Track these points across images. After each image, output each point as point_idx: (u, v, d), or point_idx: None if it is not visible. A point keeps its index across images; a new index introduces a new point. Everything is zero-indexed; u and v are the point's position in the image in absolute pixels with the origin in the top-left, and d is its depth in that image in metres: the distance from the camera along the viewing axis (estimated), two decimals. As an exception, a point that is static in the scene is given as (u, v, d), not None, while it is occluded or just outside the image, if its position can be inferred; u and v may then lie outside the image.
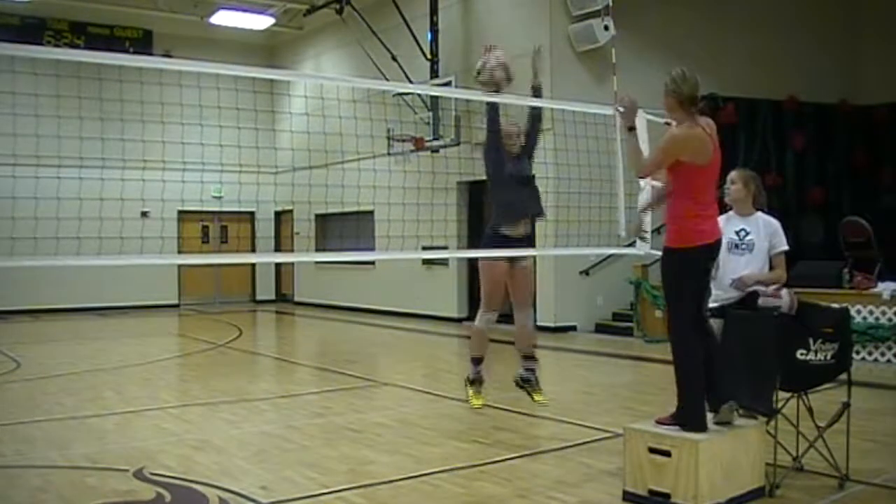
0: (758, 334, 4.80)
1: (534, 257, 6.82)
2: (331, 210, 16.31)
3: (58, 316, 17.71)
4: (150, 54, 17.97)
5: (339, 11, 16.67)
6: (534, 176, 6.80)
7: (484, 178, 6.83)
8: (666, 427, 4.57)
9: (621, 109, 5.08)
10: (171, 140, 11.10)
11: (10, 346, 12.30)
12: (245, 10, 17.86)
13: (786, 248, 5.32)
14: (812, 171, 14.83)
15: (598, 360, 10.86)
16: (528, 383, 6.31)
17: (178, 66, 5.39)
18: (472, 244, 14.22)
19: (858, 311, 9.96)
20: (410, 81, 14.75)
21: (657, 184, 5.31)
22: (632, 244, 6.68)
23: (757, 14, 14.43)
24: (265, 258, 21.73)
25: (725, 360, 4.74)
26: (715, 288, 5.19)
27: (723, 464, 4.45)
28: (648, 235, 6.36)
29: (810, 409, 5.02)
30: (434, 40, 15.17)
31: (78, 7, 17.60)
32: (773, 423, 4.80)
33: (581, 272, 13.54)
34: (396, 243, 10.52)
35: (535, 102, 6.93)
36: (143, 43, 19.10)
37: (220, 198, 19.29)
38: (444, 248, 13.61)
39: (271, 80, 18.79)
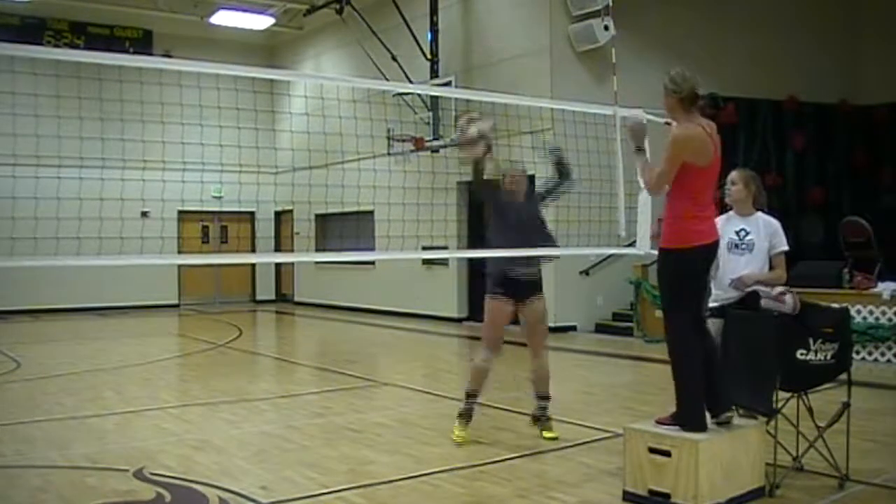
0: (758, 334, 4.80)
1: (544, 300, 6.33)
2: (331, 210, 16.31)
3: (58, 316, 17.71)
4: (150, 54, 17.98)
5: (339, 11, 16.67)
6: (543, 220, 6.40)
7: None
8: (666, 427, 4.57)
9: (631, 124, 5.09)
10: (171, 140, 11.09)
11: (10, 346, 12.31)
12: (245, 10, 17.86)
13: (786, 248, 5.32)
14: (812, 171, 14.83)
15: (598, 360, 10.87)
16: (539, 420, 6.31)
17: (178, 66, 5.39)
18: (472, 244, 14.23)
19: (858, 311, 9.96)
20: (410, 81, 14.75)
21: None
22: (632, 244, 6.67)
23: (757, 14, 14.42)
24: (265, 258, 21.72)
25: (725, 361, 4.74)
26: (715, 288, 5.20)
27: (723, 464, 4.45)
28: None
29: (810, 409, 5.02)
30: (434, 40, 15.17)
31: (78, 7, 17.60)
32: (773, 423, 4.80)
33: (581, 272, 13.54)
34: (396, 243, 10.51)
35: (536, 102, 6.85)
36: (143, 43, 19.10)
37: (220, 198, 19.28)
38: (444, 248, 13.61)
39: (271, 80, 18.80)
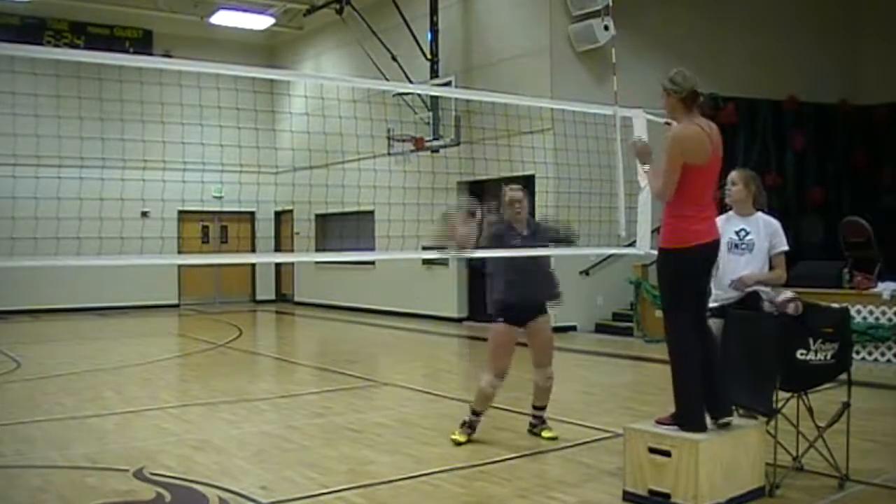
0: (758, 334, 4.80)
1: (550, 316, 6.20)
2: (331, 210, 16.31)
3: (58, 316, 17.71)
4: (150, 54, 17.98)
5: (339, 11, 16.67)
6: (548, 259, 6.23)
7: (485, 177, 6.63)
8: (666, 427, 4.57)
9: (637, 143, 5.11)
10: (172, 140, 11.10)
11: (10, 346, 12.31)
12: (245, 10, 17.86)
13: (786, 248, 5.32)
14: (812, 171, 14.83)
15: (598, 360, 10.87)
16: (536, 427, 6.30)
17: (178, 66, 5.39)
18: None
19: (858, 311, 9.96)
20: (410, 81, 14.75)
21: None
22: (632, 244, 6.67)
23: (757, 14, 14.42)
24: (265, 258, 21.72)
25: (725, 361, 4.74)
26: (715, 288, 5.19)
27: (723, 464, 4.45)
28: None
29: (810, 409, 5.02)
30: (434, 40, 15.17)
31: (78, 7, 17.60)
32: (773, 423, 4.80)
33: (581, 272, 13.53)
34: (396, 243, 10.51)
35: (536, 102, 6.80)
36: (143, 43, 19.10)
37: (220, 198, 19.28)
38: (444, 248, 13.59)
39: (271, 80, 18.80)
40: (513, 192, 6.17)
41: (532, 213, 6.50)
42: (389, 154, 14.91)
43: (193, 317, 18.39)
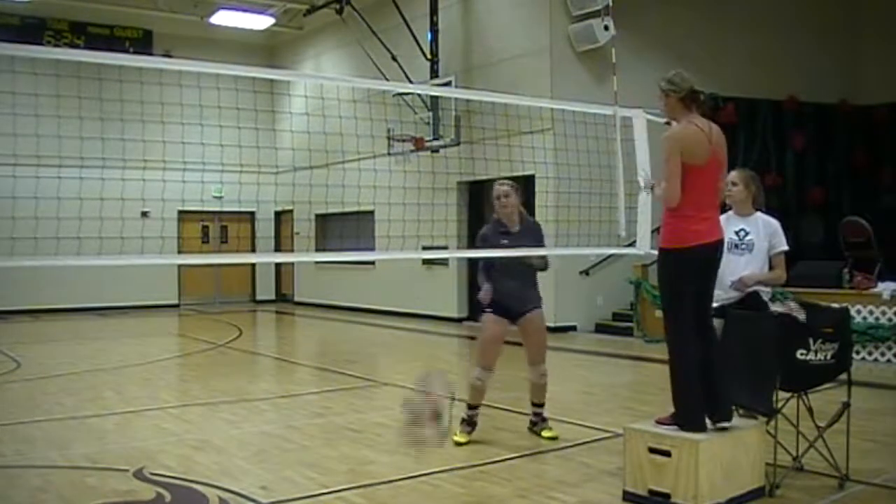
0: (758, 334, 4.80)
1: (542, 312, 6.15)
2: (331, 210, 16.30)
3: (58, 316, 17.71)
4: (150, 54, 17.98)
5: (339, 11, 16.67)
6: (532, 268, 6.05)
7: (485, 177, 6.63)
8: (666, 427, 4.56)
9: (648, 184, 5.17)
10: (172, 140, 11.10)
11: (10, 346, 12.30)
12: (245, 10, 17.87)
13: (785, 248, 5.33)
14: (812, 171, 14.83)
15: (598, 360, 10.87)
16: (536, 426, 6.30)
17: (178, 66, 5.39)
18: (472, 244, 14.22)
19: (858, 311, 9.96)
20: (410, 81, 14.75)
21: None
22: (632, 244, 6.67)
23: (757, 14, 14.43)
24: (265, 258, 21.71)
25: (725, 361, 4.73)
26: (716, 288, 5.19)
27: (723, 464, 4.45)
28: None
29: (810, 409, 5.02)
30: (434, 40, 15.17)
31: (78, 7, 17.60)
32: (773, 423, 4.80)
33: (581, 272, 13.54)
34: (396, 243, 10.52)
35: (536, 102, 6.79)
36: (143, 43, 19.10)
37: (220, 198, 19.28)
38: (444, 248, 13.61)
39: (271, 80, 18.80)
40: (499, 187, 6.10)
41: (532, 212, 6.48)
42: (389, 154, 14.92)
43: (193, 317, 18.39)
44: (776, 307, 5.05)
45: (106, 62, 4.90)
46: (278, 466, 5.55)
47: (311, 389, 8.99)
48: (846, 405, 4.97)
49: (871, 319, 10.00)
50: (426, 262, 15.78)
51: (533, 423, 6.31)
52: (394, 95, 14.27)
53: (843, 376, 4.95)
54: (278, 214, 21.16)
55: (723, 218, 5.21)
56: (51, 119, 11.34)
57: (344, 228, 18.27)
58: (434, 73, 15.10)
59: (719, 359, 4.65)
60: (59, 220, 8.08)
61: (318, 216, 19.29)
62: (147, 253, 7.51)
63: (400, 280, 16.80)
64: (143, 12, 17.83)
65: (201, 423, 7.04)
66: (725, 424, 4.55)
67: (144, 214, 14.53)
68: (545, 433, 6.18)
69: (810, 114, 14.80)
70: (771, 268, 5.30)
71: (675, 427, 4.52)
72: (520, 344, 6.23)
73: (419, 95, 14.38)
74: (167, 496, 4.88)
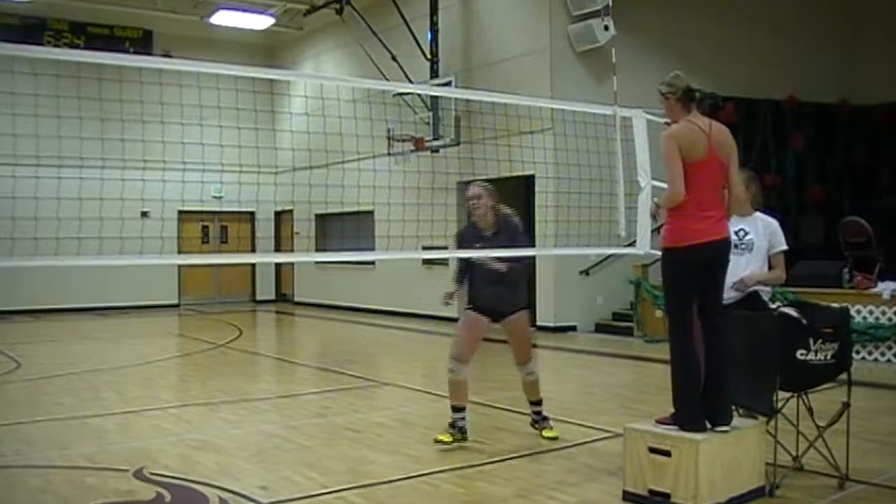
0: (758, 334, 4.80)
1: (527, 309, 6.09)
2: (331, 210, 16.31)
3: (58, 316, 17.71)
4: (150, 54, 17.98)
5: (339, 11, 16.67)
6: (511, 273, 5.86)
7: (484, 177, 6.64)
8: (666, 427, 4.56)
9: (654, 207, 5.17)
10: (171, 140, 11.10)
11: (10, 346, 12.30)
12: (245, 10, 17.86)
13: (785, 247, 5.34)
14: (812, 171, 14.83)
15: (598, 360, 10.86)
16: (537, 424, 6.30)
17: (178, 66, 5.39)
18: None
19: (858, 311, 9.96)
20: (410, 81, 14.75)
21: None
22: (632, 244, 6.67)
23: (757, 14, 14.43)
24: (265, 258, 21.73)
25: (726, 361, 4.72)
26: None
27: (723, 464, 4.45)
28: None
29: (810, 409, 5.02)
30: (434, 40, 15.17)
31: (78, 7, 17.59)
32: (773, 423, 4.80)
33: (581, 272, 13.54)
34: (396, 243, 10.52)
35: (536, 102, 6.76)
36: (143, 43, 19.10)
37: (220, 198, 19.28)
38: (444, 248, 13.60)
39: (271, 80, 18.77)
40: (471, 190, 6.02)
41: (532, 212, 6.47)
42: (389, 154, 14.91)
43: (193, 317, 18.39)
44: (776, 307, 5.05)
45: (106, 62, 4.90)
46: (278, 466, 5.55)
47: (311, 389, 8.99)
48: (846, 405, 4.97)
49: (871, 319, 10.00)
50: (426, 262, 15.77)
51: (534, 422, 6.31)
52: (394, 95, 14.27)
53: (843, 376, 4.95)
54: (278, 214, 21.17)
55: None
56: (50, 119, 11.37)
57: (344, 228, 18.27)
58: (434, 73, 15.10)
59: (723, 362, 4.63)
60: (59, 221, 8.08)
61: (317, 216, 19.29)
62: (147, 253, 7.51)
63: (400, 280, 16.79)
64: (143, 12, 17.82)
65: (201, 423, 7.03)
66: (725, 428, 4.55)
67: (144, 214, 14.51)
68: (546, 433, 6.18)
69: (810, 114, 14.80)
70: (770, 267, 5.31)
71: (675, 427, 4.52)
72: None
73: (419, 95, 14.38)
74: (167, 496, 4.88)
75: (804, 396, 5.02)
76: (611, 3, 12.35)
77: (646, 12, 13.48)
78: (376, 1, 16.54)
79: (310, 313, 18.67)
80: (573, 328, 13.62)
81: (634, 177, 6.25)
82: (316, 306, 19.71)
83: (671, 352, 4.64)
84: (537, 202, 12.87)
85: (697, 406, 4.53)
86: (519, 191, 14.12)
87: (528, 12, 14.04)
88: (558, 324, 13.46)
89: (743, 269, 5.20)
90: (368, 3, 16.59)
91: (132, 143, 12.47)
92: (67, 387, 8.85)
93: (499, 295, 5.95)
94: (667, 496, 4.44)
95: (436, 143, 14.61)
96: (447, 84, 14.16)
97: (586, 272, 13.58)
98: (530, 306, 6.37)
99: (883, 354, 9.96)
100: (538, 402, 6.25)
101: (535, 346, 6.86)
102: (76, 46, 17.79)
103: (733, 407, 4.73)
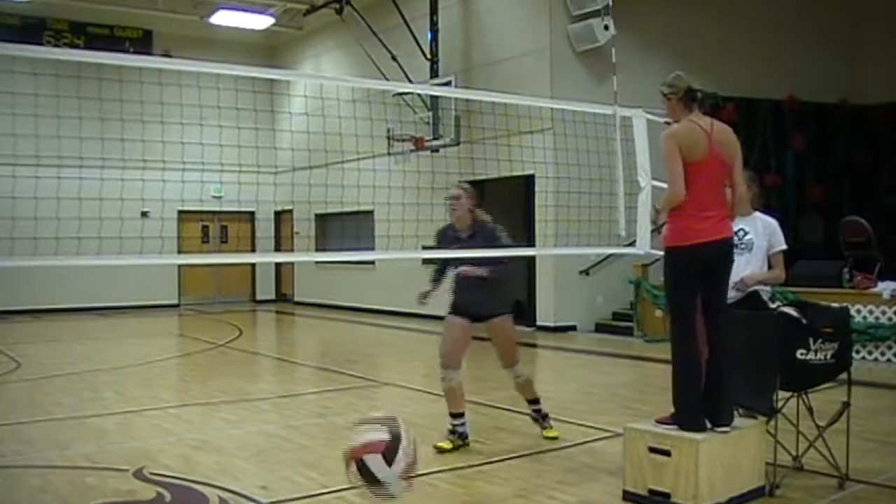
0: (758, 334, 4.80)
1: (511, 314, 6.05)
2: (331, 210, 16.31)
3: (58, 316, 17.71)
4: (150, 54, 17.97)
5: (339, 11, 16.66)
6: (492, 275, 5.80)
7: (484, 177, 6.63)
8: (666, 427, 4.56)
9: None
10: (171, 140, 11.09)
11: (10, 346, 12.30)
12: (245, 10, 17.86)
13: (784, 247, 5.34)
14: (812, 171, 14.84)
15: (598, 360, 10.86)
16: (538, 421, 6.28)
17: (178, 66, 5.38)
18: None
19: (858, 311, 9.96)
20: (410, 81, 14.75)
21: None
22: (632, 244, 6.68)
23: (757, 14, 14.43)
24: (265, 258, 21.73)
25: (726, 361, 4.72)
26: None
27: (723, 463, 4.45)
28: None
29: (810, 409, 5.02)
30: (434, 40, 15.17)
31: (78, 7, 17.59)
32: (773, 422, 4.80)
33: (581, 272, 13.53)
34: (396, 243, 10.52)
35: (536, 102, 6.78)
36: (143, 43, 19.10)
37: (219, 198, 19.28)
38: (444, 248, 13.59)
39: (271, 80, 18.77)
40: (451, 190, 6.00)
41: (532, 212, 6.47)
42: (389, 154, 14.91)
43: (193, 317, 18.39)
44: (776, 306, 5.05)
45: (106, 62, 4.90)
46: (278, 466, 5.55)
47: (311, 389, 8.99)
48: (846, 405, 4.97)
49: (871, 319, 10.00)
50: (426, 262, 15.75)
51: (534, 420, 6.30)
52: (394, 95, 14.27)
53: (843, 376, 4.95)
54: (278, 214, 21.17)
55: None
56: (51, 119, 11.36)
57: (344, 228, 18.27)
58: (434, 73, 15.09)
59: (729, 359, 4.63)
60: (58, 221, 8.09)
61: (317, 216, 19.28)
62: (147, 253, 7.51)
63: (400, 280, 16.76)
64: (142, 12, 17.82)
65: (201, 423, 7.03)
66: (725, 428, 4.55)
67: (144, 214, 14.52)
68: (546, 433, 6.18)
69: (810, 113, 14.81)
70: (770, 267, 5.31)
71: (675, 427, 4.52)
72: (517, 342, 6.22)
73: (419, 95, 14.37)
74: (167, 496, 4.88)
75: (804, 396, 5.02)
76: (611, 3, 12.35)
77: (646, 12, 13.48)
78: (376, 1, 16.54)
79: (310, 313, 18.67)
80: (573, 328, 13.62)
81: (634, 177, 6.25)
82: (316, 306, 19.70)
83: (672, 352, 4.64)
84: (537, 202, 12.87)
85: (697, 406, 4.53)
86: (519, 191, 14.13)
87: (528, 12, 14.04)
88: (558, 323, 13.45)
89: (743, 268, 5.20)
90: (368, 3, 16.58)
91: (132, 143, 12.47)
92: (67, 387, 8.85)
93: (477, 300, 5.91)
94: (667, 496, 4.44)
95: (436, 142, 14.60)
96: (447, 84, 14.16)
97: (586, 272, 13.58)
98: (530, 307, 6.39)
99: (883, 354, 9.96)
100: (536, 401, 6.24)
101: (535, 346, 6.88)
102: (76, 46, 17.79)
103: (733, 407, 4.73)
